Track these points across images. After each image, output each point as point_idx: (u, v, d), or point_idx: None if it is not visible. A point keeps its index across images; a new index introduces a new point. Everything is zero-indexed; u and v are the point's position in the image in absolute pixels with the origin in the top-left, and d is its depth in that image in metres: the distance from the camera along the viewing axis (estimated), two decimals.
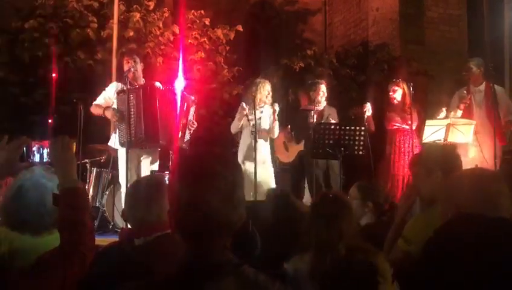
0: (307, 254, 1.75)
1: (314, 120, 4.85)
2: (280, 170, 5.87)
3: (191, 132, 4.60)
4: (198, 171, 1.10)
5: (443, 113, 5.08)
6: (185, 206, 1.09)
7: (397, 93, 5.18)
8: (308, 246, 1.79)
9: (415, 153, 4.93)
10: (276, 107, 4.93)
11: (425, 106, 5.97)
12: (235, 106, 5.89)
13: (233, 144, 6.48)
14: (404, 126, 5.13)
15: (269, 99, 5.04)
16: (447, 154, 2.08)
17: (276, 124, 4.99)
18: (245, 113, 4.87)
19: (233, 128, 5.10)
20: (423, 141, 4.96)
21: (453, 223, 1.35)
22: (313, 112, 4.88)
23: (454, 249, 1.24)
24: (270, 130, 5.03)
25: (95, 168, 5.24)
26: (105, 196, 5.06)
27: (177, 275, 1.09)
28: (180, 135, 4.47)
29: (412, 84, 5.15)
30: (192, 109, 4.62)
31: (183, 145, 4.58)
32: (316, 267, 1.68)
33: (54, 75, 6.55)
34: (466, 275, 1.18)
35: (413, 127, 5.08)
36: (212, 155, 1.16)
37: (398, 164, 5.06)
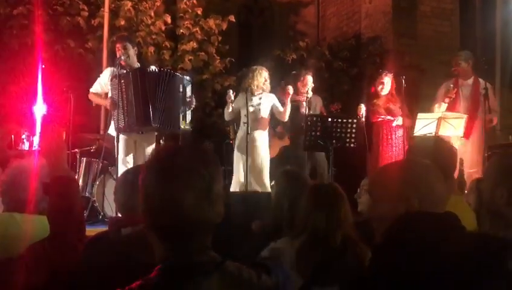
0: (297, 240, 1.75)
1: (306, 111, 4.82)
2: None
3: (191, 111, 4.59)
4: (172, 168, 1.06)
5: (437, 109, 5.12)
6: (159, 204, 1.05)
7: (385, 86, 5.20)
8: (299, 232, 1.79)
9: (402, 144, 4.98)
10: (291, 90, 4.86)
11: (417, 99, 6.00)
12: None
13: (225, 135, 6.46)
14: (388, 117, 5.15)
15: (267, 86, 4.98)
16: (438, 147, 2.08)
17: (289, 106, 4.89)
18: (229, 100, 4.82)
19: (227, 115, 5.05)
20: (414, 134, 4.99)
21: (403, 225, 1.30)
22: (305, 102, 4.84)
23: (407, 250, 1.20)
24: (281, 114, 4.93)
25: (84, 158, 5.19)
26: (95, 186, 5.02)
27: (157, 278, 1.05)
28: (180, 116, 4.43)
29: (404, 77, 5.16)
30: (189, 88, 4.58)
31: (186, 126, 4.56)
32: (306, 253, 1.68)
33: (43, 64, 6.46)
34: (418, 273, 1.15)
35: (394, 124, 5.12)
36: (186, 150, 1.12)
37: (385, 155, 5.08)
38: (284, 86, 6.08)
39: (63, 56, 6.88)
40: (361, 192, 2.67)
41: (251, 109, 4.85)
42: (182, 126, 4.46)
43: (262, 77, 4.93)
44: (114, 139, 4.38)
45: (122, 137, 4.30)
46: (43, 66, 6.51)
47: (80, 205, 1.59)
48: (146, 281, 1.05)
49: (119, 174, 4.33)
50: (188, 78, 4.68)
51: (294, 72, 5.39)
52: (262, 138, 4.90)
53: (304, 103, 4.82)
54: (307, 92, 5.05)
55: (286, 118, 4.95)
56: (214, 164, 1.12)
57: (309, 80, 5.15)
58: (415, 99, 5.43)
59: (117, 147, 4.36)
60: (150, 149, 4.48)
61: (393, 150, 5.06)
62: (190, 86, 4.62)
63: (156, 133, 4.60)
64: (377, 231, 1.30)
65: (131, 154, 4.41)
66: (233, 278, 1.07)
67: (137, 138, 4.45)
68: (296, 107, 5.00)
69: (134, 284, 1.05)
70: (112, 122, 4.48)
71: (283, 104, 4.89)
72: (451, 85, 5.12)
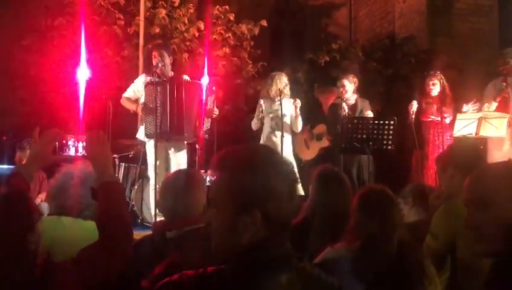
0: (353, 245, 1.71)
1: (346, 113, 4.78)
2: (303, 167, 5.82)
3: (210, 120, 4.62)
4: (274, 166, 1.11)
5: (471, 106, 4.94)
6: (260, 193, 1.08)
7: (436, 86, 5.10)
8: (353, 237, 1.75)
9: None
10: (298, 103, 4.88)
11: (456, 100, 5.85)
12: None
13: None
14: (438, 118, 5.04)
15: (287, 91, 4.99)
16: (463, 152, 2.04)
17: (299, 118, 4.94)
18: (261, 109, 4.86)
19: (254, 125, 5.09)
20: (454, 135, 4.85)
21: None
22: (344, 105, 4.81)
23: None
24: (293, 124, 4.98)
25: (123, 163, 5.31)
26: (133, 191, 5.12)
27: (233, 267, 1.07)
28: (197, 124, 4.49)
29: (443, 77, 5.06)
30: (211, 98, 4.63)
31: (204, 134, 4.61)
32: (363, 259, 1.64)
33: (82, 72, 6.66)
34: None
35: (447, 121, 5.00)
36: (266, 149, 1.18)
37: (432, 156, 4.96)
38: (318, 89, 6.06)
39: (101, 65, 7.08)
40: (407, 199, 2.57)
41: (272, 115, 4.88)
42: (199, 134, 4.52)
43: (282, 82, 4.93)
44: (145, 144, 4.48)
45: (151, 143, 4.36)
46: (83, 74, 6.72)
47: (126, 209, 1.62)
48: (222, 269, 1.07)
49: (152, 180, 4.42)
50: (213, 88, 4.75)
51: (342, 76, 5.36)
52: (286, 143, 4.90)
53: (344, 106, 4.79)
54: (342, 96, 5.02)
55: (299, 128, 4.99)
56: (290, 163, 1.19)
57: (343, 83, 5.11)
58: (454, 100, 5.29)
59: (145, 152, 4.47)
60: (180, 155, 4.55)
61: (440, 151, 4.95)
62: (213, 95, 4.67)
63: (185, 142, 4.66)
64: (489, 238, 1.25)
65: (162, 160, 4.47)
66: (308, 273, 1.10)
67: (167, 145, 4.51)
68: (336, 111, 4.98)
69: (209, 268, 1.07)
70: (141, 127, 4.57)
71: (320, 104, 4.91)
72: (504, 84, 4.89)
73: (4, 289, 1.27)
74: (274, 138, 4.78)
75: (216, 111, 4.63)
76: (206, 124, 4.60)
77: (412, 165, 5.18)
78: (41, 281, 1.30)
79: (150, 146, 4.43)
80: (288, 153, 4.93)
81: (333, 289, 1.15)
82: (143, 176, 5.06)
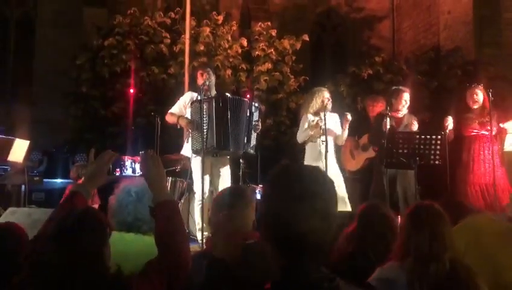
0: (405, 263, 1.70)
1: (388, 126, 4.68)
2: (349, 178, 5.77)
3: (255, 136, 4.68)
4: (299, 191, 1.12)
5: None
6: (285, 224, 1.11)
7: (477, 98, 4.92)
8: (402, 255, 1.74)
9: (492, 160, 4.68)
10: (349, 116, 4.84)
11: (506, 112, 5.66)
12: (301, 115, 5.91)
13: (301, 153, 6.48)
14: (483, 132, 4.87)
15: (330, 106, 4.96)
16: None
17: (346, 132, 4.91)
18: (321, 125, 4.78)
19: (303, 137, 5.04)
20: (505, 150, 4.69)
21: None
22: (389, 118, 4.72)
23: None
24: (338, 138, 4.95)
25: (170, 178, 5.45)
26: (180, 204, 5.24)
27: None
28: (245, 140, 4.56)
29: (491, 90, 4.90)
30: (256, 114, 4.70)
31: (250, 150, 4.68)
32: (416, 278, 1.63)
33: (131, 90, 6.94)
34: None
35: (493, 133, 4.81)
36: (310, 173, 1.17)
37: (477, 172, 4.78)
38: (364, 102, 5.97)
39: (148, 82, 7.35)
40: None
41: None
42: (247, 150, 4.58)
43: (322, 97, 4.90)
44: (190, 159, 4.59)
45: (198, 158, 4.46)
46: (131, 92, 7.01)
47: (183, 225, 1.69)
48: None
49: (197, 195, 4.52)
50: (256, 104, 4.81)
51: (394, 88, 5.25)
52: (330, 155, 4.86)
53: (388, 119, 4.70)
54: (398, 108, 4.88)
55: (342, 142, 4.93)
56: (332, 186, 1.18)
57: (404, 97, 4.95)
58: (503, 113, 5.11)
59: (191, 168, 4.57)
60: (224, 170, 4.64)
61: (486, 166, 4.78)
62: (258, 112, 4.73)
63: (228, 157, 4.75)
64: None
65: (208, 175, 4.56)
66: None
67: (212, 160, 4.61)
68: (381, 122, 4.88)
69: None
70: (185, 144, 4.68)
71: (366, 114, 4.85)
72: None
73: None
74: (325, 152, 4.72)
75: (259, 126, 4.70)
76: (253, 140, 4.68)
77: (452, 179, 4.99)
78: None
79: (195, 162, 4.55)
80: (336, 167, 4.88)
81: None
82: (189, 190, 5.17)
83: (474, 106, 4.92)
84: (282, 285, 1.11)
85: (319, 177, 1.17)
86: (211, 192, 4.60)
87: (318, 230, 1.11)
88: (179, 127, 4.74)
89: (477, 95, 4.90)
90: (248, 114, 4.60)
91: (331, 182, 1.18)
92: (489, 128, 4.75)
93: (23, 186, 5.11)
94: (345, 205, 4.69)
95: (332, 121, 4.96)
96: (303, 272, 1.11)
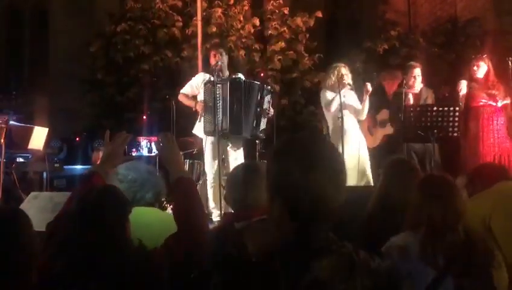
0: (418, 231, 1.69)
1: (410, 102, 4.61)
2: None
3: (266, 120, 4.66)
4: (314, 158, 1.14)
5: None
6: (299, 191, 1.12)
7: (480, 70, 4.82)
8: (415, 225, 1.72)
9: (504, 132, 4.60)
10: (369, 86, 4.76)
11: None
12: (316, 94, 5.83)
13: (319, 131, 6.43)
14: (490, 102, 4.76)
15: (347, 81, 4.88)
16: None
17: (367, 104, 4.81)
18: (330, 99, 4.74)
19: (334, 105, 4.90)
20: None
21: None
22: (409, 94, 4.65)
23: None
24: (358, 112, 4.86)
25: (187, 160, 5.50)
26: (198, 186, 5.29)
27: (281, 254, 1.12)
28: (254, 124, 4.54)
29: (511, 59, 4.76)
30: (268, 98, 4.66)
31: (260, 134, 4.66)
32: (429, 247, 1.62)
33: (145, 74, 6.98)
34: None
35: (499, 104, 4.71)
36: (321, 140, 1.22)
37: (487, 142, 4.69)
38: (381, 75, 5.85)
39: (161, 66, 7.36)
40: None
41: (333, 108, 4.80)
42: (256, 134, 4.57)
43: (337, 72, 4.81)
44: (202, 140, 4.61)
45: (210, 139, 4.47)
46: (146, 77, 7.05)
47: (200, 201, 1.74)
48: (268, 257, 1.13)
49: (208, 175, 4.56)
50: (269, 87, 4.77)
51: (409, 63, 5.15)
52: (354, 127, 4.81)
53: (409, 95, 4.63)
54: (409, 85, 4.83)
55: (364, 116, 4.85)
56: (339, 155, 1.22)
57: (414, 72, 4.89)
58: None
59: (205, 149, 4.59)
60: (238, 151, 4.64)
61: (496, 136, 4.68)
62: (269, 95, 4.69)
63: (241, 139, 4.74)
64: None
65: (219, 157, 4.57)
66: (352, 259, 1.13)
67: (224, 142, 4.61)
68: (400, 99, 4.82)
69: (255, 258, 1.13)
70: (198, 123, 4.70)
71: (383, 90, 4.77)
72: None
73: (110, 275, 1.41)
74: (341, 129, 4.66)
75: (271, 111, 4.68)
76: (263, 124, 4.66)
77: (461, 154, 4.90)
78: (135, 266, 1.45)
79: (207, 142, 4.56)
80: (361, 141, 4.83)
81: (378, 274, 1.17)
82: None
83: (476, 75, 4.81)
84: (292, 246, 1.13)
85: (329, 144, 1.24)
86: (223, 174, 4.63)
87: (332, 196, 1.14)
88: (194, 110, 4.75)
89: (478, 67, 4.80)
90: (259, 98, 4.58)
91: (338, 152, 1.22)
92: (497, 99, 4.67)
93: (44, 173, 5.21)
94: (367, 179, 4.66)
95: (352, 98, 4.90)
96: (313, 233, 1.13)
